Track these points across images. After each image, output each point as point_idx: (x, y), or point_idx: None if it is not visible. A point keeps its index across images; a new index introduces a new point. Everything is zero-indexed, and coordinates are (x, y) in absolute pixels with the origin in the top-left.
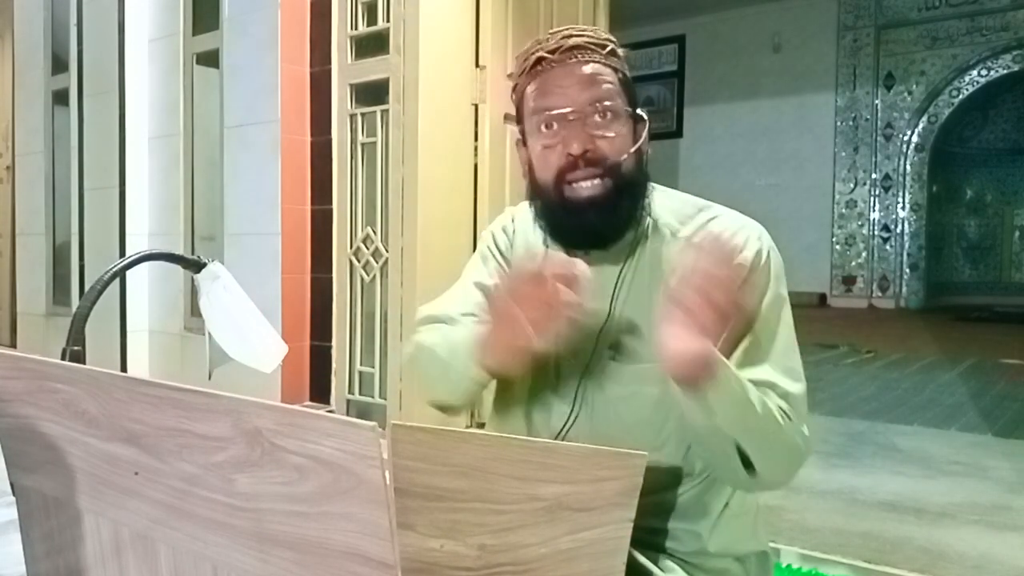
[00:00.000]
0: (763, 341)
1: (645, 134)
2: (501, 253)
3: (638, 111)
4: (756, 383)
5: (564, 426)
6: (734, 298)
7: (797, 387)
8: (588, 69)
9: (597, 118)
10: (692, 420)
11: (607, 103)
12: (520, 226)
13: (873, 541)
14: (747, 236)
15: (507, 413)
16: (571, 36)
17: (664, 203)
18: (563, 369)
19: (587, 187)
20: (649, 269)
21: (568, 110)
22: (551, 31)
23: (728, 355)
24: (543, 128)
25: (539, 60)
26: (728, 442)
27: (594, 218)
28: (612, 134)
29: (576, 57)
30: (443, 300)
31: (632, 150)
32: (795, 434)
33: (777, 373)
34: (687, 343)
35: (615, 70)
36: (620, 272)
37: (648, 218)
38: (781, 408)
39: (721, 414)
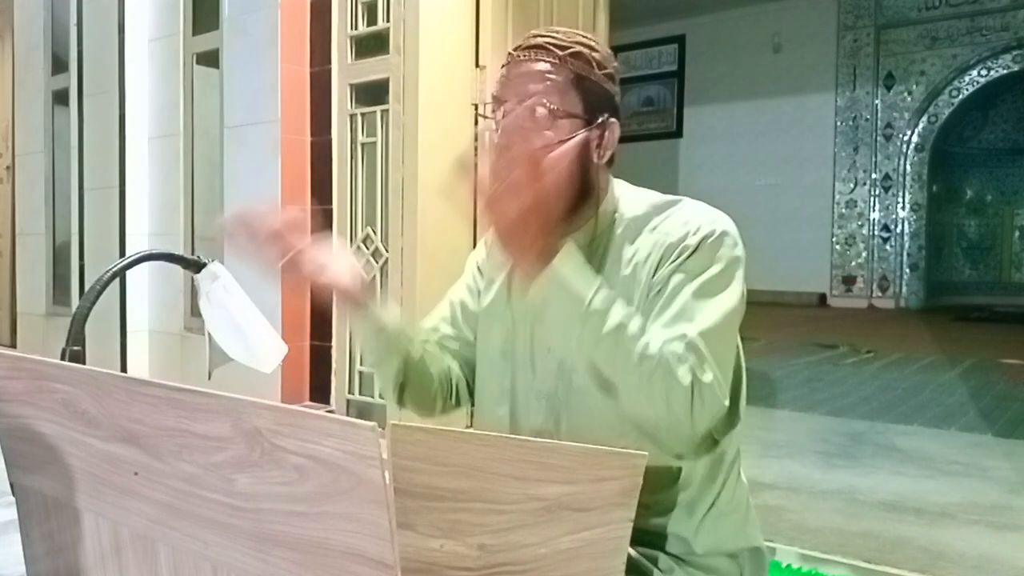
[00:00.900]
0: (683, 299)
1: (604, 137)
2: (478, 266)
3: (606, 117)
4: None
5: (548, 422)
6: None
7: (699, 336)
8: (536, 66)
9: (531, 113)
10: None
11: (543, 99)
12: None
13: (873, 541)
14: (706, 219)
15: (487, 411)
16: (537, 36)
17: (632, 200)
18: (538, 365)
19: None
20: (612, 262)
21: (504, 103)
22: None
23: (649, 315)
24: (493, 117)
25: (508, 56)
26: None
27: None
28: (541, 125)
29: (531, 55)
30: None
31: (556, 146)
32: (685, 373)
33: (683, 326)
34: (507, 219)
35: (572, 71)
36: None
37: (615, 214)
38: (670, 349)
39: (576, 288)
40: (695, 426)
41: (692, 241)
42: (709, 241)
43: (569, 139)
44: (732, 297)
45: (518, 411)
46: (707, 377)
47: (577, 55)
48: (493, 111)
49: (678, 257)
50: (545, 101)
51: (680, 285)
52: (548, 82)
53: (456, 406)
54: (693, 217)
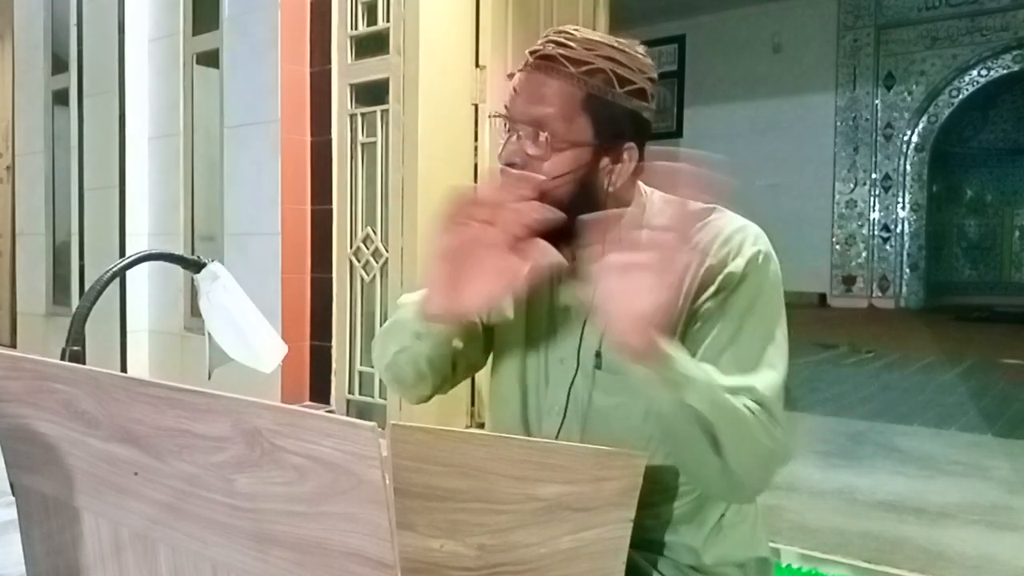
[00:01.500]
0: (745, 342)
1: (619, 162)
2: None
3: (624, 142)
4: (730, 389)
5: (558, 435)
6: (678, 277)
7: (771, 392)
8: (546, 84)
9: (534, 137)
10: (659, 404)
11: (547, 125)
12: None
13: (873, 541)
14: (744, 237)
15: (502, 422)
16: (552, 43)
17: (659, 208)
18: (551, 376)
19: None
20: None
21: (511, 119)
22: (553, 28)
23: (698, 347)
24: (503, 127)
25: (525, 59)
26: (697, 433)
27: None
28: (540, 156)
29: (544, 66)
30: None
31: (559, 176)
32: (766, 434)
33: (751, 377)
34: (629, 310)
35: (587, 92)
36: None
37: (640, 224)
38: (749, 407)
39: (684, 390)
40: (764, 483)
41: (736, 267)
42: (756, 267)
43: (570, 172)
44: (782, 322)
45: (531, 424)
46: (778, 433)
47: (595, 72)
48: (504, 123)
49: (725, 285)
50: (549, 126)
51: (735, 324)
52: (554, 104)
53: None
54: (733, 234)
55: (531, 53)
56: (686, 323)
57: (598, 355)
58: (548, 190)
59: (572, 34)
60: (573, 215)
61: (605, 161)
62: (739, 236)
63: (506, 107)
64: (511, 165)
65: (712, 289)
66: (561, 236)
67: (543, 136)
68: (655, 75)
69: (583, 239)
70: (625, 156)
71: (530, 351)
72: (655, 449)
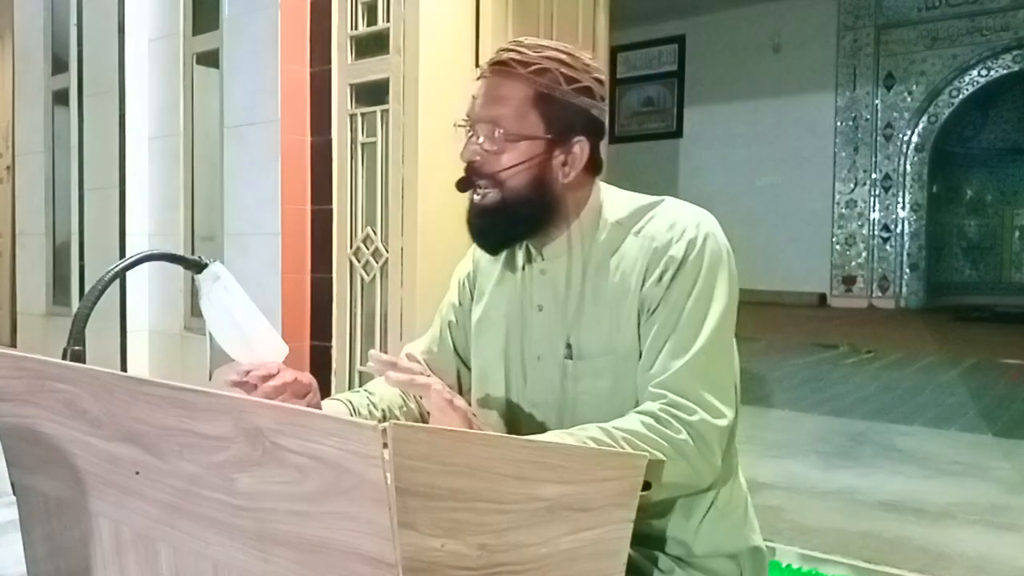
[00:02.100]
0: (682, 329)
1: (570, 155)
2: (466, 280)
3: (573, 136)
4: (653, 390)
5: (539, 430)
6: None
7: (683, 385)
8: (499, 85)
9: (490, 134)
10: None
11: (501, 122)
12: None
13: (873, 541)
14: (688, 223)
15: (486, 423)
16: (504, 51)
17: (616, 203)
18: (530, 374)
19: (475, 195)
20: (597, 267)
21: (468, 119)
22: (509, 40)
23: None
24: (465, 133)
25: (480, 69)
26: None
27: (480, 224)
28: (497, 152)
29: (497, 71)
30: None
31: (511, 168)
32: (667, 436)
33: (678, 385)
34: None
35: (535, 90)
36: (570, 273)
37: (599, 218)
38: (645, 423)
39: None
40: (712, 460)
41: (677, 251)
42: (695, 250)
43: (524, 163)
44: (719, 305)
45: (511, 419)
46: (695, 417)
47: (542, 72)
48: (466, 129)
49: (666, 270)
50: (503, 122)
51: (671, 313)
52: (507, 103)
53: None
54: (677, 219)
55: (488, 63)
56: (639, 311)
57: (568, 346)
58: (505, 180)
59: (522, 41)
60: (532, 204)
61: (557, 153)
62: (684, 222)
63: (467, 114)
64: (471, 163)
65: (657, 272)
66: (526, 227)
67: (498, 132)
68: (602, 76)
69: (548, 235)
70: (576, 149)
71: (506, 351)
72: None
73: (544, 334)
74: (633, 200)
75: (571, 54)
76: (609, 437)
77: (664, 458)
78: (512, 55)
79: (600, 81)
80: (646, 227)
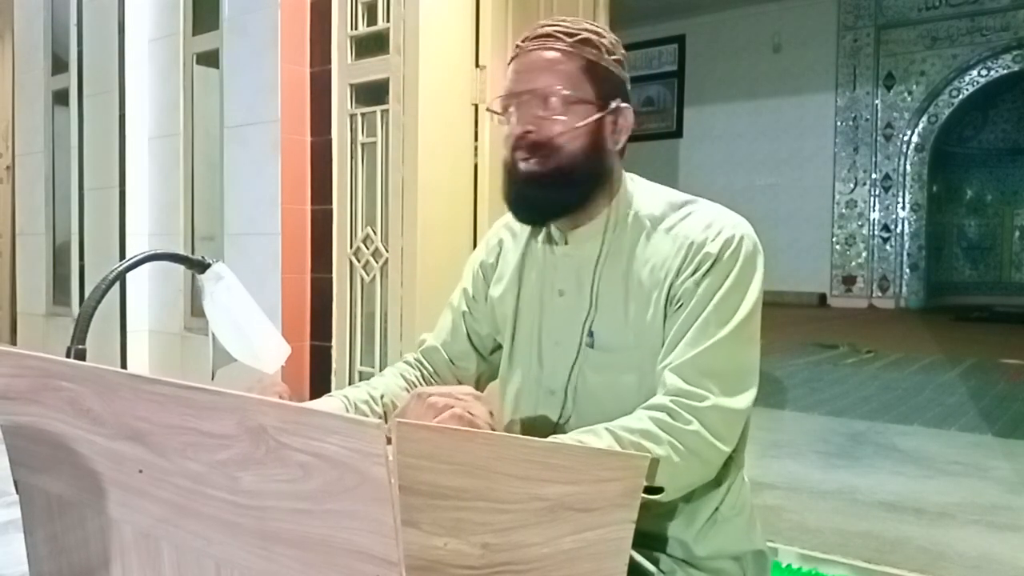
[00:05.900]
0: (703, 326)
1: (617, 122)
2: (481, 266)
3: (618, 102)
4: (668, 384)
5: (559, 417)
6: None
7: (690, 381)
8: (547, 55)
9: (544, 101)
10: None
11: (556, 87)
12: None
13: (873, 541)
14: (719, 228)
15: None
16: (545, 26)
17: (647, 195)
18: (546, 359)
19: (527, 164)
20: (627, 258)
21: (519, 92)
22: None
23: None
24: (506, 110)
25: (517, 48)
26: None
27: (531, 192)
28: (556, 116)
29: (540, 45)
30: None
31: (571, 132)
32: (678, 436)
33: (692, 371)
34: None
35: (583, 58)
36: (597, 260)
37: (630, 209)
38: (655, 420)
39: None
40: (722, 447)
41: (713, 248)
42: (730, 249)
43: (584, 124)
44: (748, 304)
45: (527, 404)
46: (706, 403)
47: (586, 41)
48: (506, 106)
49: (700, 265)
50: (558, 88)
51: (698, 305)
52: (559, 69)
53: None
54: (714, 219)
55: (526, 39)
56: (667, 304)
57: (590, 334)
58: (563, 144)
59: (559, 18)
60: (587, 170)
61: (609, 119)
62: (721, 222)
63: (509, 89)
64: (526, 133)
65: (691, 268)
66: (578, 195)
67: (553, 98)
68: (625, 53)
69: (577, 219)
70: (621, 117)
71: (523, 335)
72: None
73: (564, 320)
74: (664, 194)
75: (603, 28)
76: (618, 442)
77: (677, 459)
78: (555, 28)
79: (625, 57)
80: (680, 225)
